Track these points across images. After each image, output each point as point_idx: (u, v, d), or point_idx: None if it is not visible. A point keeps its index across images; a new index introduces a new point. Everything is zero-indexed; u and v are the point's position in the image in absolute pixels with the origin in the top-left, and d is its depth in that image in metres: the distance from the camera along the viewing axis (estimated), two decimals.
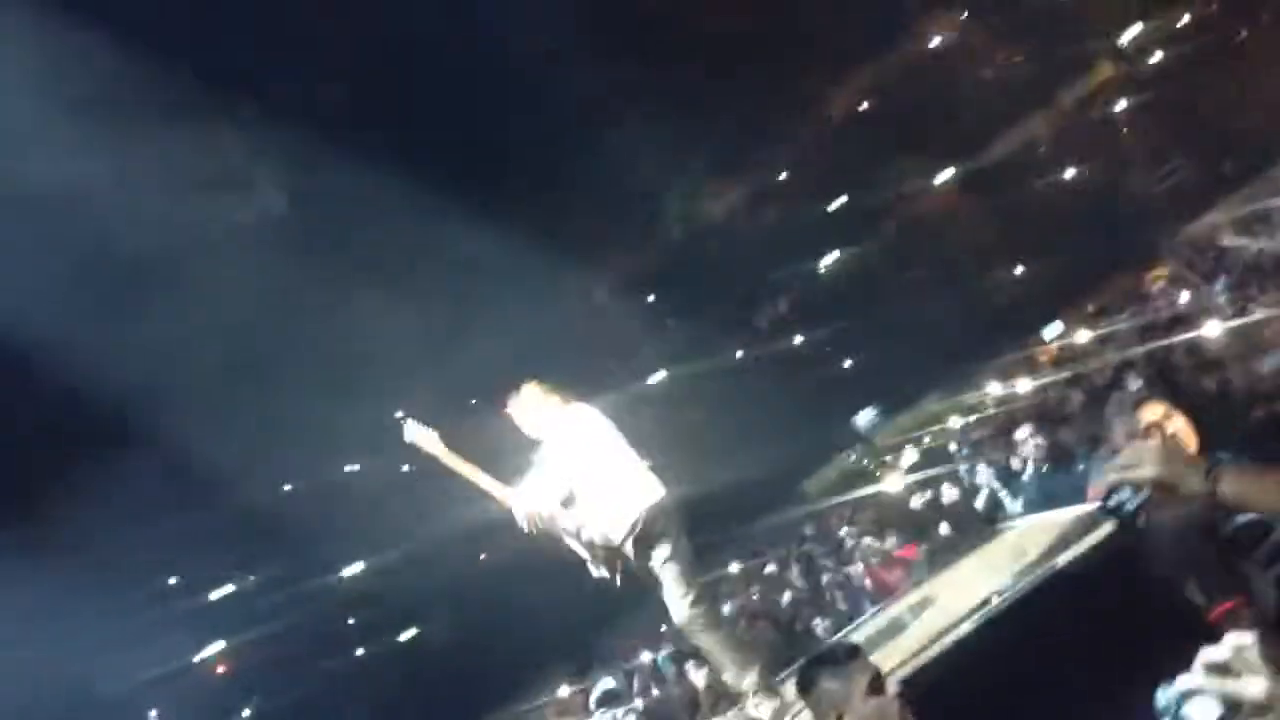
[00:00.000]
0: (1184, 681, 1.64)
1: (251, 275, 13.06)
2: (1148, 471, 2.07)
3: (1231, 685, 1.59)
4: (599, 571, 5.04)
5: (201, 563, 14.83)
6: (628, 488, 4.89)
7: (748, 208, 18.40)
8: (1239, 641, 1.66)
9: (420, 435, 5.13)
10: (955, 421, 11.81)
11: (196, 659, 15.28)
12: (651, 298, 18.96)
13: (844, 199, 17.92)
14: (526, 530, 4.95)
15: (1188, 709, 1.63)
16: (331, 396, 14.44)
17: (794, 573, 10.65)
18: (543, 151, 15.56)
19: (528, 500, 4.93)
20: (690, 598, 4.85)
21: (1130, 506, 3.32)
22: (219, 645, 15.25)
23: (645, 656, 9.47)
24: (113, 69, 10.96)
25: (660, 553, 4.84)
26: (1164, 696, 1.67)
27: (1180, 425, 3.67)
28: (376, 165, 13.12)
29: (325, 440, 15.70)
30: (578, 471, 4.93)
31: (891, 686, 3.13)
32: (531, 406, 5.09)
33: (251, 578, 15.24)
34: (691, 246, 18.36)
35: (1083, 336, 12.01)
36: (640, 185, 16.42)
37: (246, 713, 14.78)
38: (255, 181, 14.53)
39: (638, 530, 4.83)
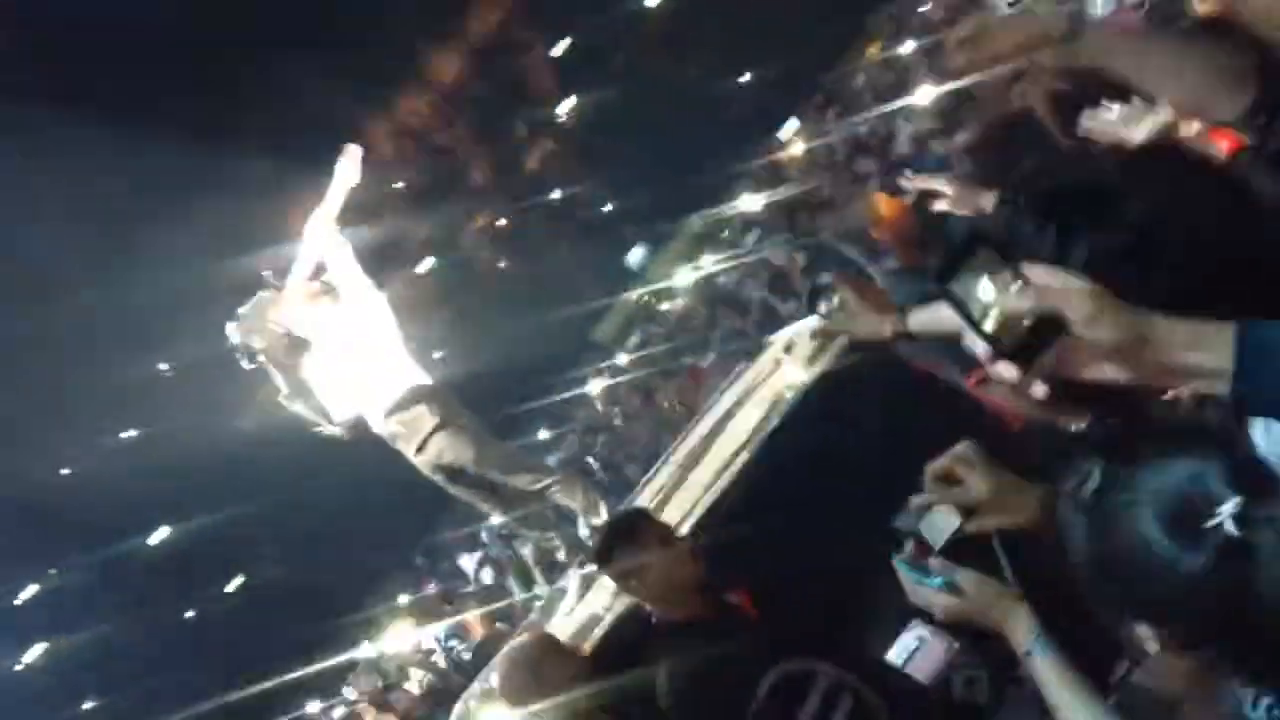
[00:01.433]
0: (916, 500, 1.73)
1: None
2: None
3: (958, 492, 1.69)
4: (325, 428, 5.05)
5: None
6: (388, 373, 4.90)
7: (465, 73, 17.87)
8: (956, 449, 1.76)
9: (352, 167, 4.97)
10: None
11: (19, 665, 14.54)
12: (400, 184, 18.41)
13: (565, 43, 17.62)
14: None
15: (924, 526, 1.71)
16: (80, 364, 13.60)
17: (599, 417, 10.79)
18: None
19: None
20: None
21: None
22: (39, 648, 14.53)
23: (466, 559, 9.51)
24: None
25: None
26: (902, 520, 1.74)
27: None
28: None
29: (92, 411, 14.84)
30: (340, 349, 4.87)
31: (681, 540, 3.27)
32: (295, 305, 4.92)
33: (53, 570, 14.46)
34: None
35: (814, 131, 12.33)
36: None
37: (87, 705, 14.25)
38: None
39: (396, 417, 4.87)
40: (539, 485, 5.03)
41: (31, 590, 14.78)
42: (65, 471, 15.49)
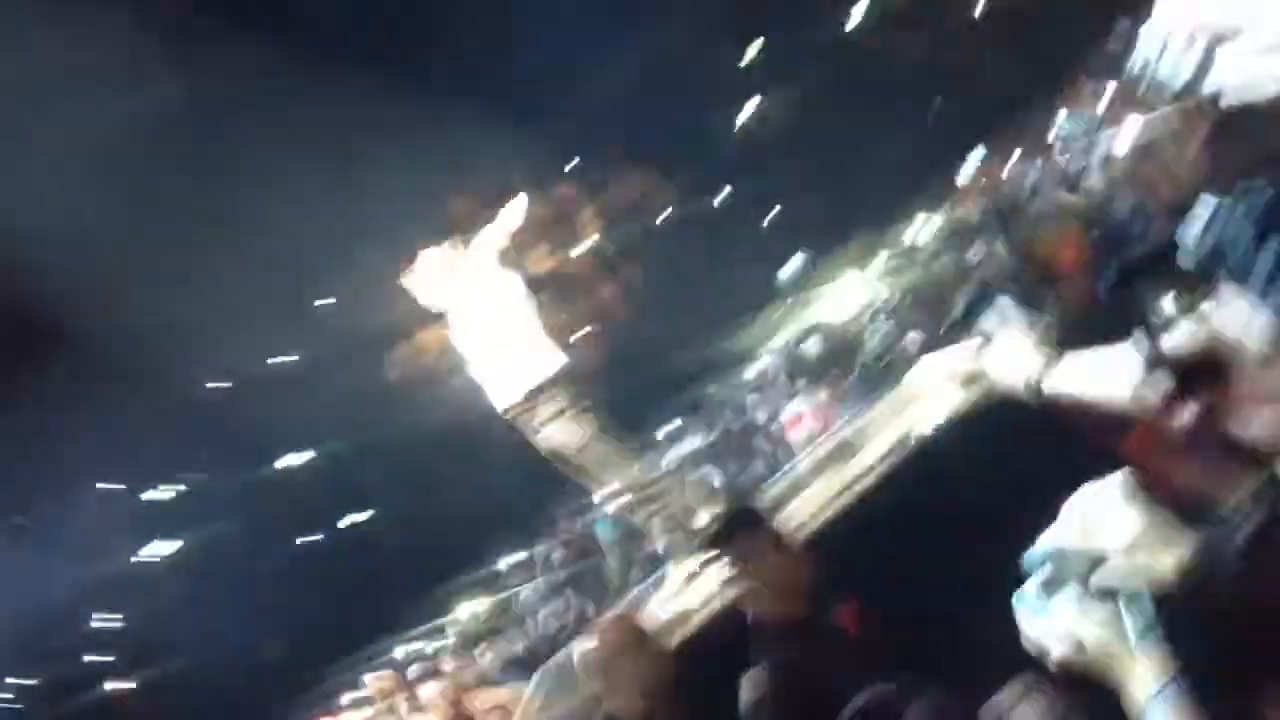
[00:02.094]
0: (1047, 539, 1.61)
1: (164, 165, 12.61)
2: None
3: (1095, 540, 1.57)
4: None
5: (136, 466, 14.68)
6: (522, 358, 4.97)
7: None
8: (1099, 487, 1.63)
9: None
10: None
11: (142, 558, 15.22)
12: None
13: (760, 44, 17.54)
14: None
15: (1055, 561, 1.59)
16: (251, 289, 14.15)
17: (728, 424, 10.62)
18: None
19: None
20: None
21: None
22: (167, 546, 15.19)
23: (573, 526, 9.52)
24: None
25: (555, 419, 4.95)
26: (1030, 555, 1.63)
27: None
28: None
29: (253, 334, 15.45)
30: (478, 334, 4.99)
31: (796, 543, 3.18)
32: (433, 275, 5.07)
33: (192, 477, 15.10)
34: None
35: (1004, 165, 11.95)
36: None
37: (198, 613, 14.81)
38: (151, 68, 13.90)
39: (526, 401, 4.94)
40: (631, 486, 5.08)
41: (164, 492, 15.44)
42: (214, 385, 16.20)
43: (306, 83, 12.85)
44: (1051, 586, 1.56)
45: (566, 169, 17.91)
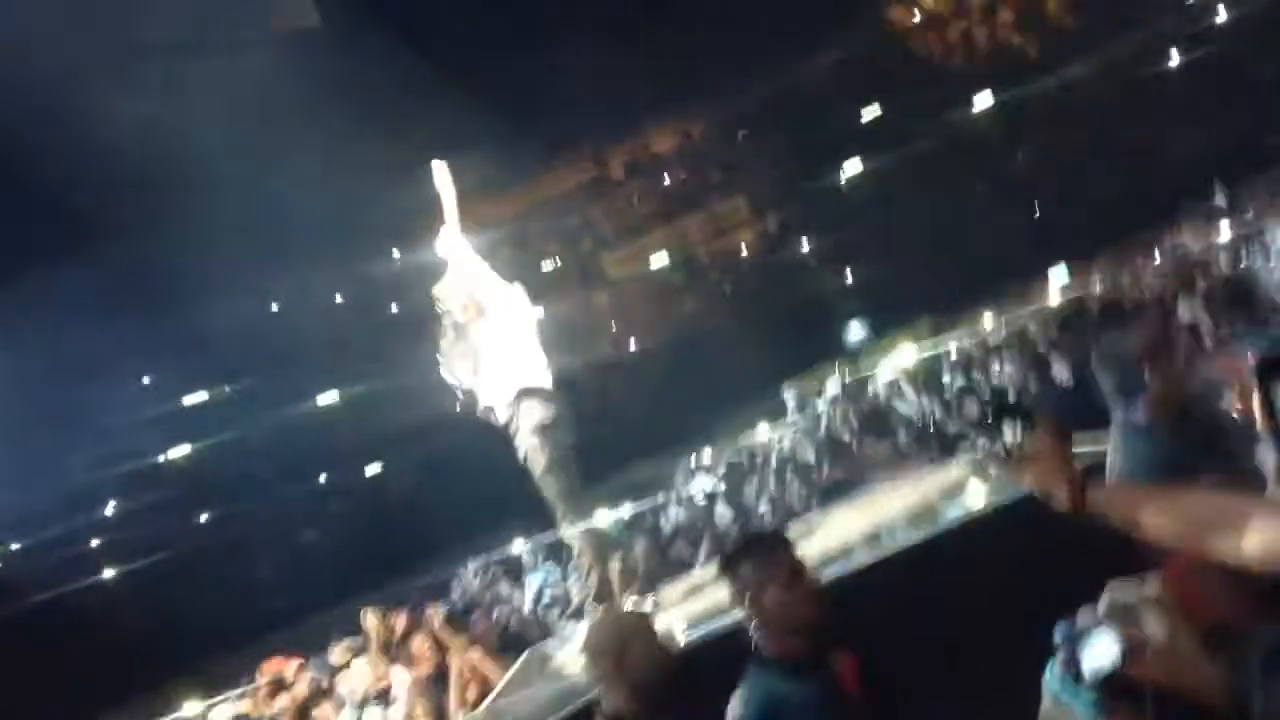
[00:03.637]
0: (1085, 618, 1.64)
1: (272, 85, 12.85)
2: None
3: (1135, 629, 1.59)
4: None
5: (180, 367, 14.94)
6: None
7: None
8: (1146, 584, 1.66)
9: (444, 180, 5.32)
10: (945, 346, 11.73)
11: (162, 459, 15.46)
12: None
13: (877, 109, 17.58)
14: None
15: (1086, 646, 1.63)
16: (335, 226, 14.38)
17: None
18: None
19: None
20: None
21: None
22: (185, 449, 15.43)
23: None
24: None
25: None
26: (1061, 632, 1.66)
27: None
28: None
29: (321, 267, 15.67)
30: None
31: (811, 581, 3.18)
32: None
33: (227, 388, 15.34)
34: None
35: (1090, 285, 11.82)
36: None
37: (205, 517, 15.03)
38: None
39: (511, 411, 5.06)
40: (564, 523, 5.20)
41: (199, 396, 15.68)
42: (275, 308, 16.47)
43: None
44: (1085, 674, 1.60)
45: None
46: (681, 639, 4.11)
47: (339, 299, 16.66)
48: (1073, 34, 17.22)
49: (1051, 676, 1.64)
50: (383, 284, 15.74)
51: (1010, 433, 2.56)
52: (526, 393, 5.22)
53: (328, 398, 15.89)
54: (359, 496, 15.69)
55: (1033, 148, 17.14)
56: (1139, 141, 16.01)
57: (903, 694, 3.00)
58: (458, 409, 5.51)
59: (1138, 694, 1.64)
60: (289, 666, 7.09)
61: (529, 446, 5.24)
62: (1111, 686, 1.62)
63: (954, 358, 10.03)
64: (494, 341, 5.26)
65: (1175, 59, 16.58)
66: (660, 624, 4.18)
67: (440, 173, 5.39)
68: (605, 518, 5.63)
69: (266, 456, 14.84)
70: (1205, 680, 1.60)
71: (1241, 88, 15.11)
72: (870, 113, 17.75)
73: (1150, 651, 1.61)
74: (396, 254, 15.66)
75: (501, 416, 5.33)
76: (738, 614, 3.01)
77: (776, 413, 11.79)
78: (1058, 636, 1.66)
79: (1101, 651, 1.62)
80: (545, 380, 5.31)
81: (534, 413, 5.21)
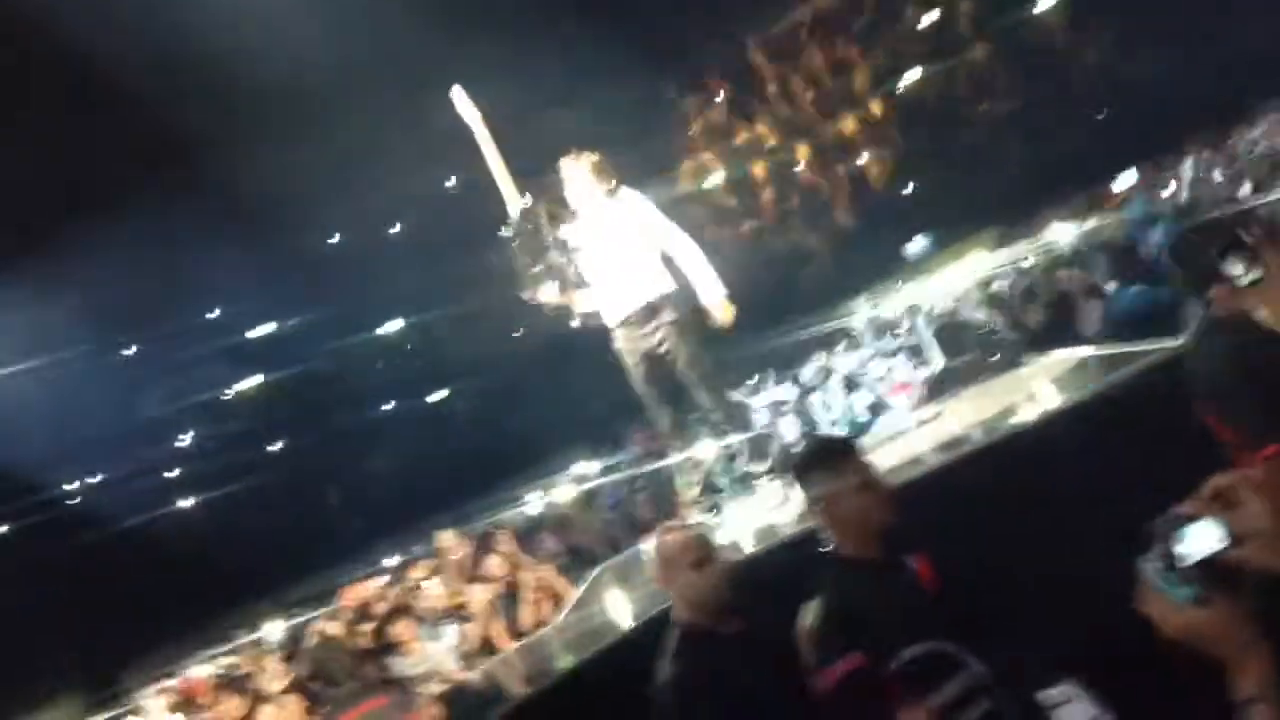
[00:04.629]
0: (1183, 507, 1.59)
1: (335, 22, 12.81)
2: None
3: (1236, 514, 1.54)
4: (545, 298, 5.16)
5: (247, 299, 15.15)
6: (640, 277, 5.01)
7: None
8: (1245, 473, 1.60)
9: (465, 106, 5.26)
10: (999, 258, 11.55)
11: (233, 391, 15.76)
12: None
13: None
14: (511, 235, 5.10)
15: (1185, 535, 1.57)
16: (394, 161, 14.38)
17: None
18: None
19: (525, 203, 5.13)
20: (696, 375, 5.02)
21: None
22: (257, 379, 15.71)
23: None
24: None
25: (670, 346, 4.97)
26: (1160, 522, 1.61)
27: None
28: None
29: (381, 201, 15.75)
30: (601, 250, 5.05)
31: (884, 486, 3.15)
32: (583, 174, 5.12)
33: (293, 321, 15.55)
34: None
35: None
36: None
37: (279, 445, 15.35)
38: None
39: (637, 319, 4.98)
40: (715, 414, 5.10)
41: (267, 328, 15.91)
42: (333, 240, 16.60)
43: None
44: (1182, 562, 1.55)
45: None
46: (748, 548, 4.11)
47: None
48: None
49: (1148, 566, 1.58)
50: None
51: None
52: (654, 302, 5.08)
53: (393, 325, 16.07)
54: (427, 420, 15.91)
55: (1096, 48, 16.59)
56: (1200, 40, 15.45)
57: (983, 591, 2.96)
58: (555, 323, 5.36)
59: (1238, 582, 1.58)
60: (370, 591, 7.26)
61: (661, 336, 5.07)
62: (1211, 575, 1.56)
63: (1025, 265, 9.83)
64: (592, 250, 5.12)
65: None
66: (724, 535, 4.19)
67: (460, 99, 5.28)
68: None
69: (333, 384, 15.08)
70: None
71: None
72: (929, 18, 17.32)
73: (1251, 540, 1.55)
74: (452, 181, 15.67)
75: (610, 321, 5.17)
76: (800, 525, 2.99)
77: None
78: (1156, 526, 1.60)
79: (1201, 540, 1.56)
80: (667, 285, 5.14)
81: (662, 313, 5.08)
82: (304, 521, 13.94)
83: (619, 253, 5.08)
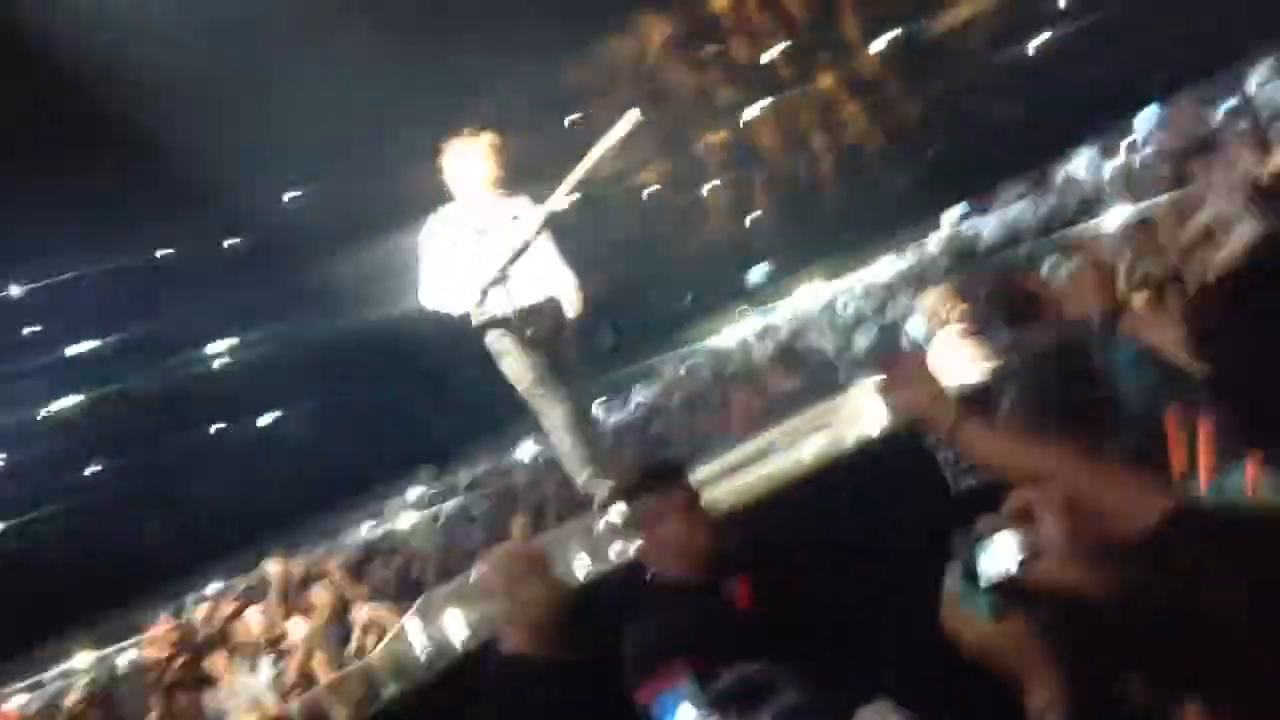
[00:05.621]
0: (985, 523, 1.61)
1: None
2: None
3: (1031, 531, 1.56)
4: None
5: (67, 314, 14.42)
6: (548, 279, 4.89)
7: None
8: (1043, 489, 1.62)
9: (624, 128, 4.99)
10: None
11: (46, 412, 14.96)
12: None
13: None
14: None
15: (985, 551, 1.58)
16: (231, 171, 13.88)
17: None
18: None
19: None
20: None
21: None
22: (75, 399, 14.94)
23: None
24: None
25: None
26: (961, 537, 1.62)
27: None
28: None
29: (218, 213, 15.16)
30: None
31: (707, 509, 3.14)
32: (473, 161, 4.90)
33: (113, 337, 14.83)
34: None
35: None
36: None
37: (92, 469, 14.61)
38: None
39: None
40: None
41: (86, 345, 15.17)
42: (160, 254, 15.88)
43: None
44: (981, 577, 1.56)
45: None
46: (580, 573, 4.06)
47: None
48: None
49: (951, 582, 1.59)
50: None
51: None
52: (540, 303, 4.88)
53: (221, 345, 15.49)
54: (255, 445, 15.38)
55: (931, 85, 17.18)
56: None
57: (800, 609, 2.97)
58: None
59: (1033, 598, 1.60)
60: (184, 622, 6.95)
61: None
62: (1008, 590, 1.57)
63: (853, 295, 10.13)
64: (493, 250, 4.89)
65: None
66: (557, 557, 4.11)
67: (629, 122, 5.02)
68: None
69: (155, 407, 14.44)
70: (1101, 585, 1.57)
71: None
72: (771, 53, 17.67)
73: (1047, 557, 1.57)
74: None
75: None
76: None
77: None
78: (958, 542, 1.61)
79: (999, 555, 1.58)
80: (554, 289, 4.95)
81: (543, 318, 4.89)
82: (122, 548, 13.27)
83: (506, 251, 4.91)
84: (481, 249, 4.87)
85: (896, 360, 2.50)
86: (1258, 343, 1.39)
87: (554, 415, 4.99)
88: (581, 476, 4.96)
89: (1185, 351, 2.49)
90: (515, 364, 4.95)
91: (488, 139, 4.96)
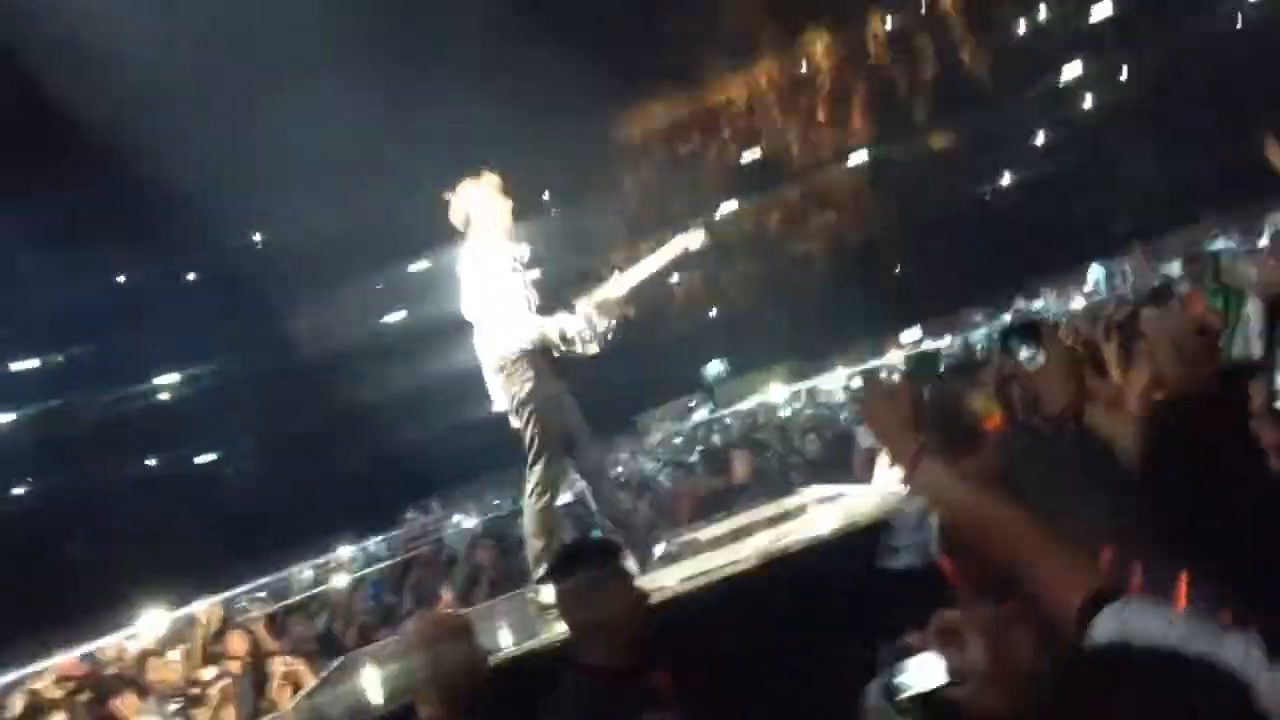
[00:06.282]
0: (910, 639, 1.61)
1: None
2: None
3: (955, 652, 1.56)
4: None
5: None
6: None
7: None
8: (972, 609, 1.63)
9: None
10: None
11: None
12: None
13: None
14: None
15: (908, 667, 1.58)
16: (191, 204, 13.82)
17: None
18: None
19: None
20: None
21: None
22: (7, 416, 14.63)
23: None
24: None
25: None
26: (885, 652, 1.61)
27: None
28: None
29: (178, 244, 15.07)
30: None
31: (636, 595, 3.12)
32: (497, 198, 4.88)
33: (60, 357, 14.61)
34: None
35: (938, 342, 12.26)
36: None
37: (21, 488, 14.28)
38: None
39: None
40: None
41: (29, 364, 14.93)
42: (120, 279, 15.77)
43: None
44: (898, 690, 1.55)
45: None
46: (504, 647, 3.99)
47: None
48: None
49: (872, 696, 1.59)
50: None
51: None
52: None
53: (170, 378, 15.29)
54: (191, 482, 15.11)
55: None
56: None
57: (721, 708, 2.95)
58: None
59: (954, 718, 1.60)
60: (78, 668, 6.74)
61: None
62: (927, 709, 1.57)
63: (810, 398, 10.22)
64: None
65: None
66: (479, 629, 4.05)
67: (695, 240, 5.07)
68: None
69: (94, 432, 14.16)
70: (1023, 709, 1.57)
71: None
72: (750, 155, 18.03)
73: (969, 680, 1.58)
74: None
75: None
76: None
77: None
78: (882, 656, 1.61)
79: (922, 673, 1.57)
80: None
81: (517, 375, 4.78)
82: (41, 576, 12.89)
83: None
84: (525, 278, 4.86)
85: (880, 384, 2.53)
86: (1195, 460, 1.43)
87: (556, 469, 4.92)
88: (536, 545, 4.81)
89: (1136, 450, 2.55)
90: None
91: (497, 178, 4.98)
